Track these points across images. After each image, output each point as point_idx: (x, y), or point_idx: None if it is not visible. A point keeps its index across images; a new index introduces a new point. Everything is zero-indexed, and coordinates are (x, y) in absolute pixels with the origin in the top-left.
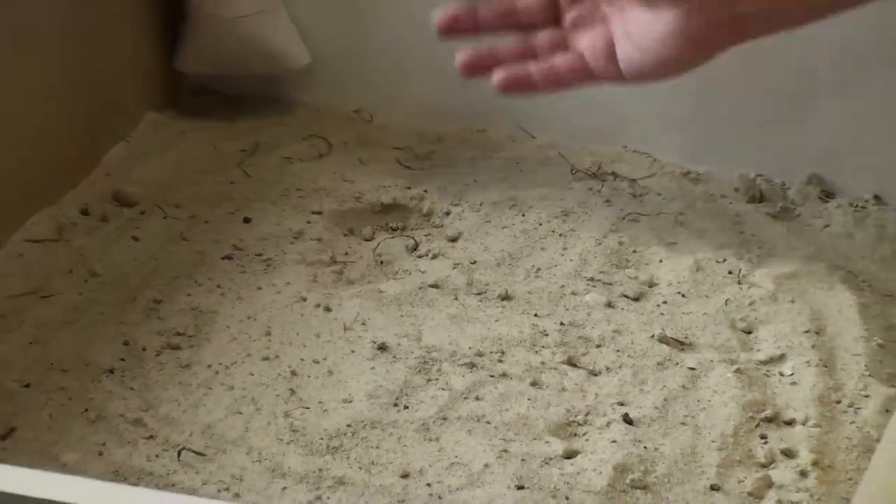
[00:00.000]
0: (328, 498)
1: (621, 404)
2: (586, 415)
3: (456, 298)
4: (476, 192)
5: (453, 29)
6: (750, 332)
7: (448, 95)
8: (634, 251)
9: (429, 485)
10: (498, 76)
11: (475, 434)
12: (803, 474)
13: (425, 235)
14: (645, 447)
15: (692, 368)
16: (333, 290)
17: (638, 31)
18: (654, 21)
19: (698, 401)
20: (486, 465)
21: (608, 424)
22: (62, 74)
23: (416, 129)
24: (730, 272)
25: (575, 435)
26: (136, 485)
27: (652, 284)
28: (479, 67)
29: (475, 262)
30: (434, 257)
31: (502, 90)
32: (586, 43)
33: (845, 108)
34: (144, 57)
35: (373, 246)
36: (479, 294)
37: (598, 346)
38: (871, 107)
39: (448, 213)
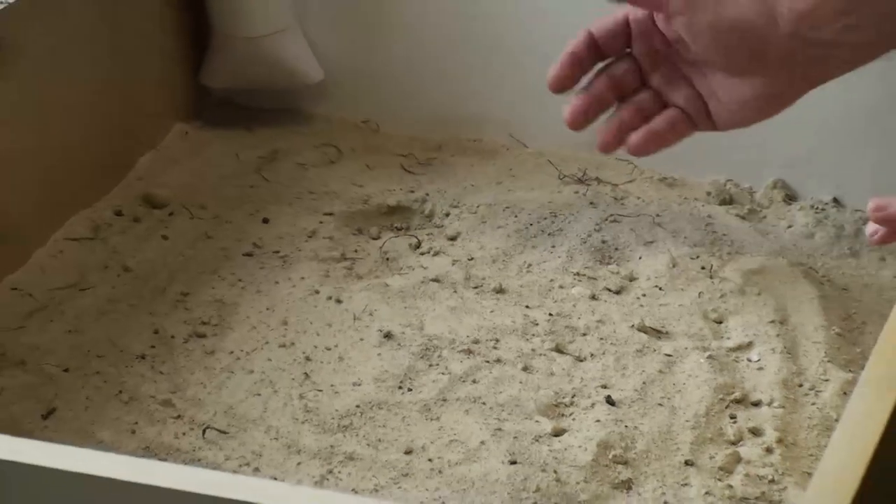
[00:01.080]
0: (339, 472)
1: (604, 387)
2: (573, 397)
3: (455, 291)
4: (473, 195)
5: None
6: (721, 322)
7: (447, 108)
8: (616, 249)
9: (430, 460)
10: (636, 139)
11: (472, 414)
12: (769, 451)
13: (427, 235)
14: (626, 426)
15: (668, 355)
16: (344, 283)
17: (725, 95)
18: (739, 85)
19: (674, 384)
20: (482, 442)
21: (592, 405)
22: (98, 89)
23: (419, 138)
24: (702, 268)
25: (562, 415)
26: (165, 460)
27: (632, 279)
28: (586, 119)
29: (472, 259)
30: (435, 254)
31: (639, 151)
32: (682, 99)
33: (807, 119)
34: (173, 73)
35: (379, 244)
36: (475, 288)
37: (584, 334)
38: (830, 118)
39: (448, 215)
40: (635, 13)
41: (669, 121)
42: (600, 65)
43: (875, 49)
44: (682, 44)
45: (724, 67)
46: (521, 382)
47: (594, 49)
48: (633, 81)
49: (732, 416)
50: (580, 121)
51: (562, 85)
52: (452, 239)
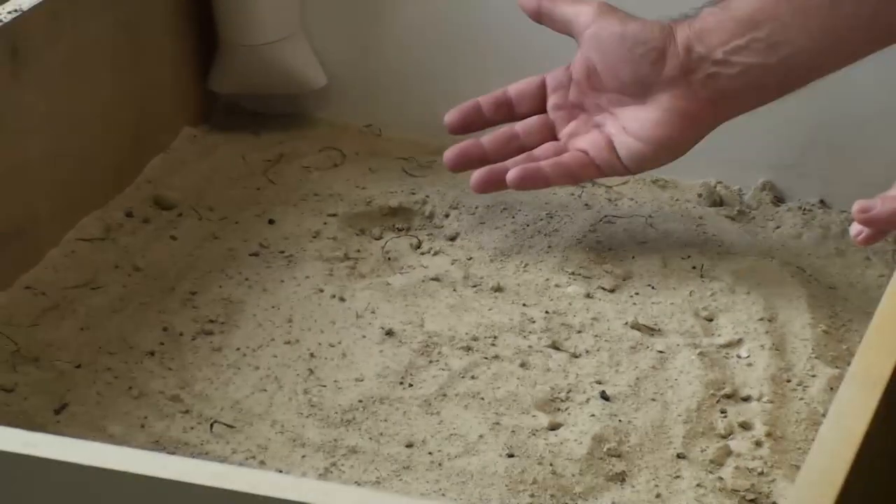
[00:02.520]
0: (342, 465)
1: (599, 383)
2: (568, 392)
3: (454, 290)
4: (471, 197)
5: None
6: (711, 320)
7: (447, 113)
8: (610, 249)
9: (430, 453)
10: (512, 174)
11: (471, 409)
12: (758, 444)
13: (427, 235)
14: (620, 420)
15: (661, 351)
16: (347, 282)
17: (632, 123)
18: (645, 109)
19: (666, 380)
20: (481, 436)
21: (587, 400)
22: (109, 94)
23: (419, 142)
24: (693, 267)
25: (558, 410)
26: (173, 453)
27: (626, 278)
28: (466, 161)
29: (471, 259)
30: (435, 254)
31: (517, 185)
32: (586, 143)
33: (795, 123)
34: (181, 79)
35: (381, 244)
36: (474, 286)
37: (579, 331)
38: (817, 122)
39: (447, 216)
40: (553, 72)
41: (560, 160)
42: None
43: (775, 78)
44: (593, 76)
45: (631, 86)
46: (518, 378)
47: (504, 107)
48: (539, 139)
49: (723, 411)
50: (459, 163)
51: (452, 128)
52: (452, 239)
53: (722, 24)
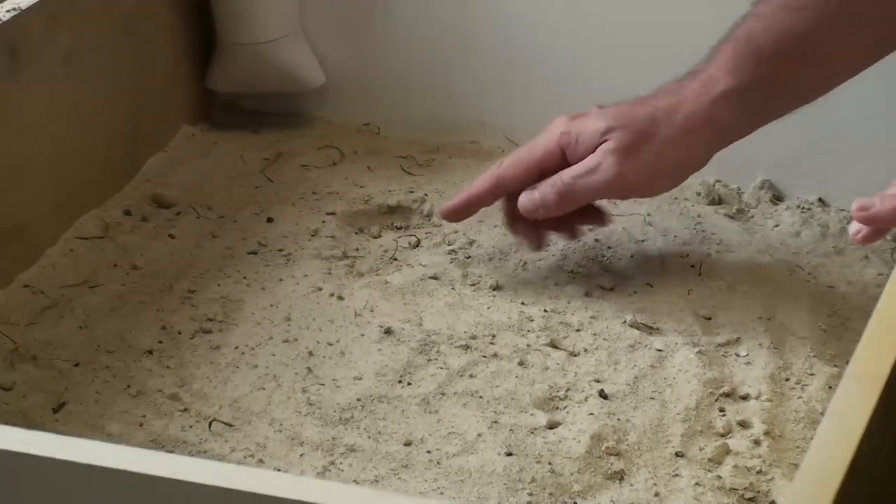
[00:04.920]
0: (341, 463)
1: (597, 381)
2: (567, 391)
3: (453, 289)
4: None
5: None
6: (710, 319)
7: (445, 111)
8: (609, 247)
9: (429, 452)
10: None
11: (469, 407)
12: (757, 443)
13: (426, 233)
14: (618, 419)
15: (659, 350)
16: (345, 281)
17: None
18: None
19: (665, 378)
20: (479, 435)
21: (586, 399)
22: (108, 93)
23: (417, 141)
24: (692, 266)
25: (557, 408)
26: (172, 452)
27: (624, 277)
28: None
29: (469, 257)
30: (433, 253)
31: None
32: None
33: (793, 122)
34: (180, 77)
35: (380, 242)
36: (473, 285)
37: (578, 330)
38: (815, 121)
39: None
40: (551, 149)
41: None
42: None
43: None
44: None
45: None
46: (516, 377)
47: (498, 194)
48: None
49: (721, 410)
50: (453, 216)
51: (453, 218)
52: (450, 237)
53: (741, 122)
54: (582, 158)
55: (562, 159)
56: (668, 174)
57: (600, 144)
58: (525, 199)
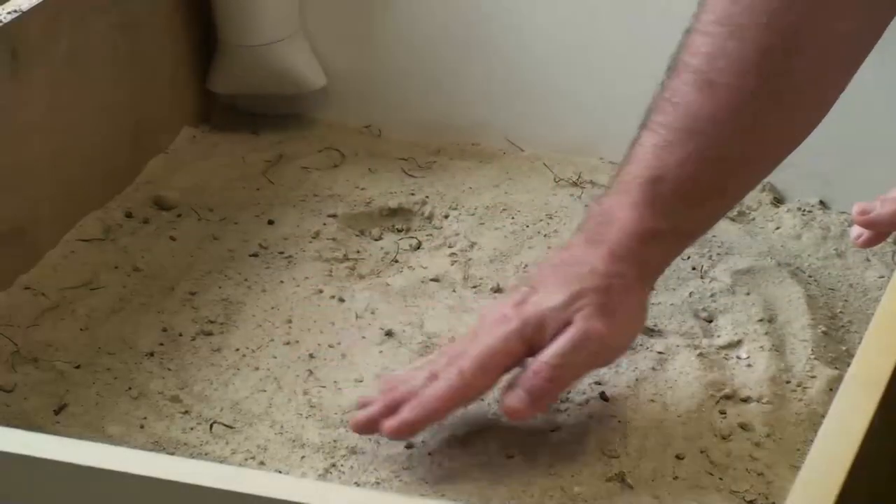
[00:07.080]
0: (342, 465)
1: (598, 384)
2: (568, 393)
3: (454, 291)
4: (471, 198)
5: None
6: (711, 321)
7: (446, 114)
8: None
9: (430, 454)
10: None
11: (470, 409)
12: (758, 445)
13: (427, 236)
14: (619, 421)
15: (661, 352)
16: (346, 283)
17: None
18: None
19: (666, 381)
20: (480, 436)
21: (587, 401)
22: (110, 94)
23: (419, 143)
24: (693, 268)
25: (558, 410)
26: (173, 454)
27: None
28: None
29: (470, 260)
30: (435, 255)
31: None
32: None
33: None
34: (181, 79)
35: (381, 244)
36: (474, 287)
37: None
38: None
39: (447, 216)
40: (513, 350)
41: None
42: None
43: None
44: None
45: None
46: None
47: (462, 406)
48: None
49: (722, 412)
50: (409, 431)
51: (409, 433)
52: (451, 240)
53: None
54: (553, 339)
55: (525, 354)
56: (638, 320)
57: (574, 315)
58: (513, 401)
